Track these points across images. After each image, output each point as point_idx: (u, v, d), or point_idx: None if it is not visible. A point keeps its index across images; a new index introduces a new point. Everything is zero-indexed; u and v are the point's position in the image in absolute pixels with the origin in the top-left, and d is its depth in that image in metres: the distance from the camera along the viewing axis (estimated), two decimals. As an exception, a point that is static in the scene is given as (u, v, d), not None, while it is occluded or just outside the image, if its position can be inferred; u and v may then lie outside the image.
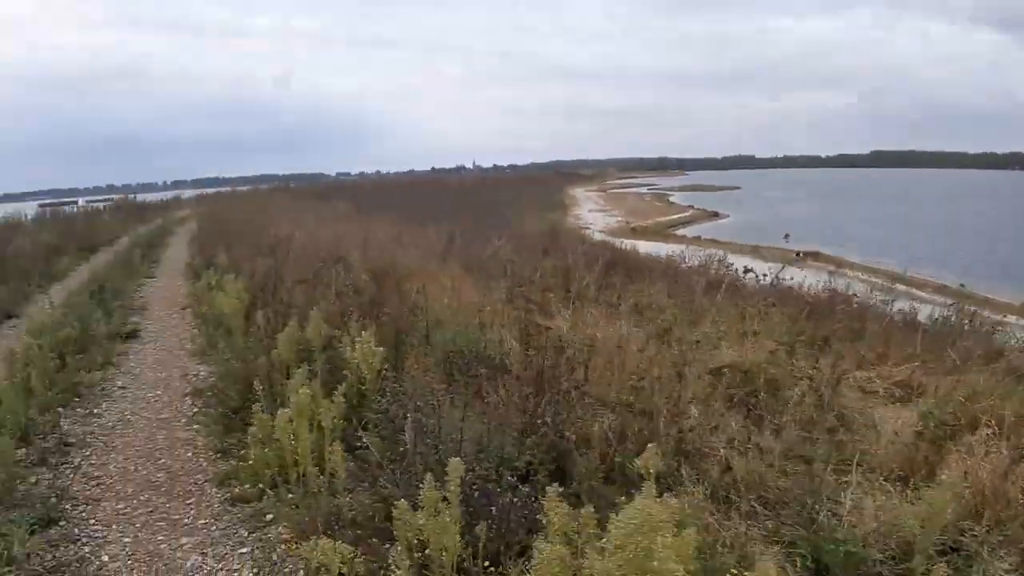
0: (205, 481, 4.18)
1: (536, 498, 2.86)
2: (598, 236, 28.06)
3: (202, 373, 6.20)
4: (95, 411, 5.39)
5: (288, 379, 4.63)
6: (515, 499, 2.90)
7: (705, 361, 5.80)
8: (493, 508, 2.79)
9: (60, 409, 5.35)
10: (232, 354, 5.59)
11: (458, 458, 2.50)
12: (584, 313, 7.66)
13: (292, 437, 3.30)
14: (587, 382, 4.30)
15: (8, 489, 4.01)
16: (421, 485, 2.60)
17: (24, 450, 4.57)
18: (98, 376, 6.14)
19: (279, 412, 3.33)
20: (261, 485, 3.85)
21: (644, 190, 76.24)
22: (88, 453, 4.60)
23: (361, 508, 3.13)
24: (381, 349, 4.00)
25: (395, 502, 2.61)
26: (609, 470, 3.78)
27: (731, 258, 15.59)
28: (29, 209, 27.41)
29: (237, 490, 3.96)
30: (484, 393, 4.39)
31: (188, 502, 3.94)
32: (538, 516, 2.56)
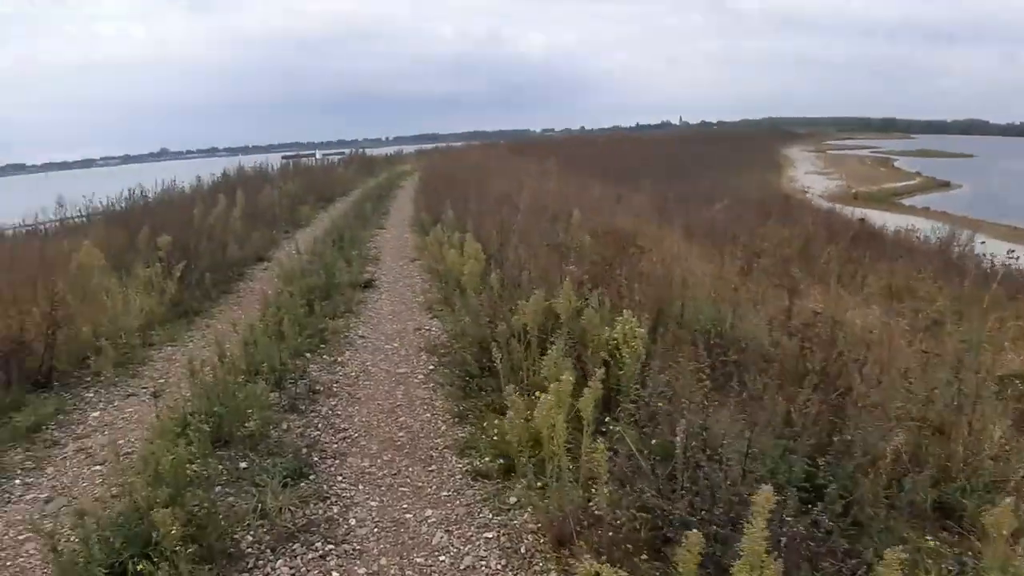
0: (445, 447, 4.03)
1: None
2: (817, 202, 25.87)
3: (434, 329, 6.18)
4: (339, 359, 5.50)
5: (527, 349, 4.38)
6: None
7: (988, 366, 4.84)
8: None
9: (308, 355, 5.51)
10: (468, 315, 5.44)
11: (769, 486, 2.00)
12: (832, 293, 6.78)
13: (551, 426, 2.97)
14: (878, 384, 3.60)
15: (263, 434, 4.11)
16: (703, 511, 2.14)
17: (276, 395, 4.71)
18: (341, 324, 6.31)
19: (541, 399, 3.00)
20: (503, 461, 3.62)
21: (865, 152, 69.56)
22: (334, 404, 4.65)
23: (623, 515, 2.74)
24: (642, 331, 3.56)
25: (684, 532, 2.17)
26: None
27: (980, 237, 13.52)
28: (274, 160, 29.96)
29: (478, 463, 3.76)
30: (736, 386, 3.84)
31: (430, 468, 3.80)
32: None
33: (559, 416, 2.98)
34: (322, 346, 5.72)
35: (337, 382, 4.98)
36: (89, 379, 5.30)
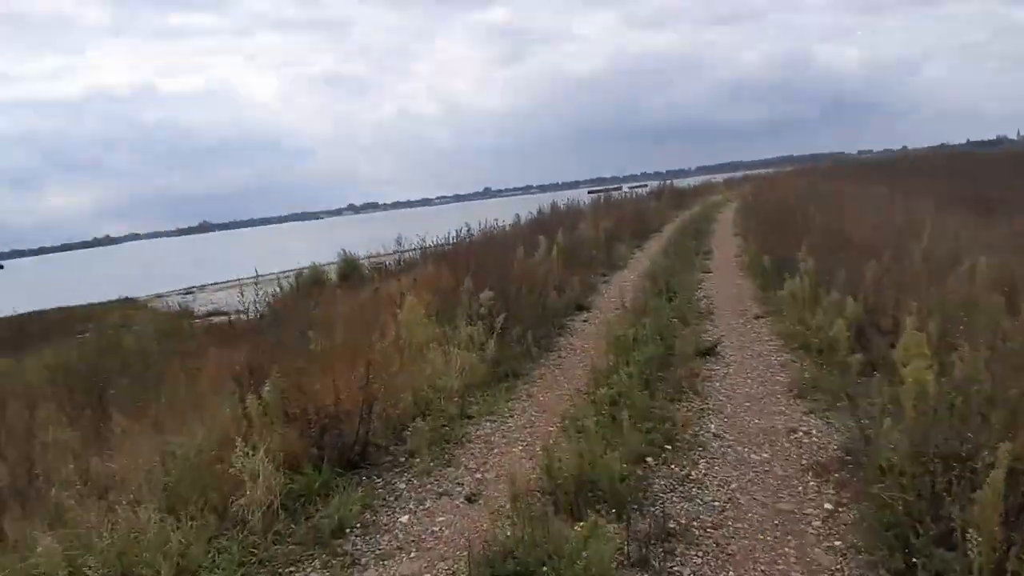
0: None
1: None
2: None
3: (815, 433, 4.46)
4: (692, 473, 4.02)
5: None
6: None
7: None
8: None
9: (649, 460, 4.18)
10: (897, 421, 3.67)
11: None
12: None
13: None
14: None
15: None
16: None
17: (615, 528, 3.43)
18: (686, 411, 4.91)
19: None
20: None
21: None
22: (699, 562, 3.14)
23: None
24: None
25: None
26: None
27: None
28: (581, 196, 29.83)
29: None
30: None
31: None
32: None
33: None
34: (667, 447, 4.34)
35: (697, 519, 3.53)
36: (404, 459, 4.54)
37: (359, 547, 3.54)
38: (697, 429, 4.64)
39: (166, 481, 4.18)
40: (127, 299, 34.07)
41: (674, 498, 3.75)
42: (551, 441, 4.37)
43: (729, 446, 4.38)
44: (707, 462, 4.17)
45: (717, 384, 5.59)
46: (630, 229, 17.64)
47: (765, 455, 4.21)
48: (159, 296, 34.10)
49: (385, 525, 3.73)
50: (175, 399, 6.28)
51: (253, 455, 4.26)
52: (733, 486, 3.85)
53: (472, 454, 4.55)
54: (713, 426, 4.71)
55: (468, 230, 17.50)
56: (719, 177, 54.63)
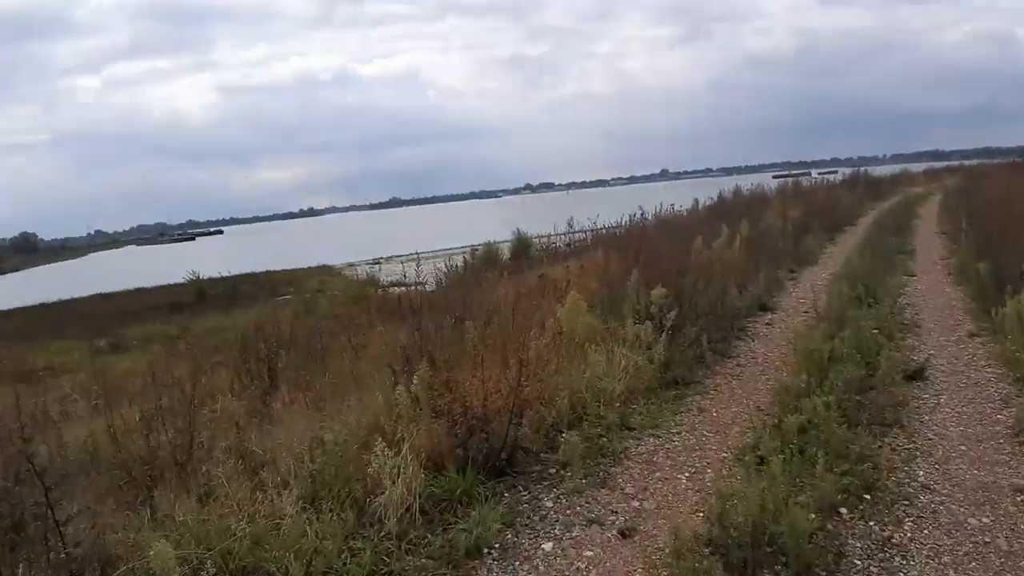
0: None
1: None
2: None
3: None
4: (895, 535, 3.18)
5: None
6: None
7: None
8: None
9: (842, 511, 3.41)
10: None
11: None
12: None
13: None
14: None
15: None
16: None
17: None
18: (889, 450, 4.02)
19: None
20: None
21: None
22: None
23: None
24: None
25: None
26: None
27: None
28: (766, 181, 27.67)
29: None
30: None
31: None
32: None
33: None
34: (865, 497, 3.53)
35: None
36: (554, 470, 4.08)
37: (495, 574, 3.13)
38: (902, 475, 3.77)
39: (312, 468, 4.01)
40: (324, 266, 36.53)
41: (872, 568, 2.98)
42: (724, 472, 3.73)
43: (941, 503, 3.49)
44: (914, 522, 3.32)
45: (926, 418, 4.60)
46: (821, 220, 16.00)
47: (985, 520, 3.29)
48: (351, 265, 36.23)
49: (526, 551, 3.29)
50: (339, 376, 6.26)
51: (396, 451, 4.01)
52: (945, 559, 3.00)
53: (631, 475, 3.99)
54: (921, 473, 3.82)
55: (642, 214, 16.67)
56: (917, 167, 49.01)
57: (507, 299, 7.22)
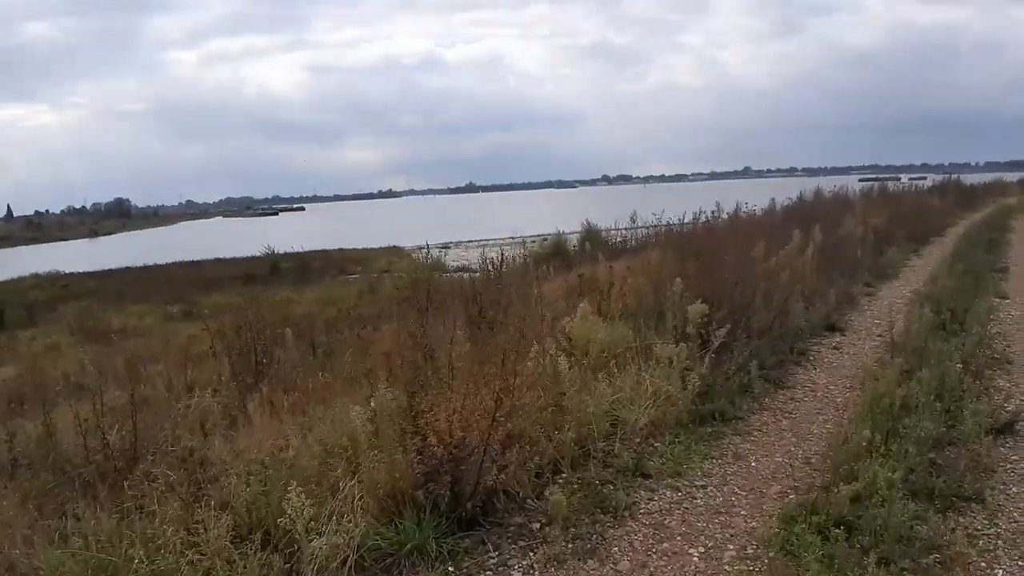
0: None
1: None
2: None
3: None
4: None
5: None
6: None
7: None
8: None
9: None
10: None
11: None
12: None
13: None
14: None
15: None
16: None
17: None
18: (963, 535, 2.98)
19: None
20: None
21: None
22: None
23: None
24: None
25: None
26: None
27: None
28: (852, 183, 25.73)
29: None
30: None
31: None
32: None
33: None
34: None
35: None
36: (538, 525, 3.23)
37: None
38: (977, 573, 2.75)
39: (257, 492, 3.29)
40: (394, 247, 36.46)
41: None
42: (749, 551, 2.80)
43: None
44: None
45: (1013, 489, 3.50)
46: (906, 229, 14.38)
47: None
48: (420, 248, 36.04)
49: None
50: (333, 377, 5.56)
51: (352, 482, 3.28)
52: None
53: (631, 543, 3.09)
54: (1001, 573, 2.78)
55: (714, 212, 15.43)
56: (1011, 176, 45.05)
57: (530, 299, 6.40)
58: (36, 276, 34.76)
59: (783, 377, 5.28)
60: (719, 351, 5.02)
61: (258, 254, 34.76)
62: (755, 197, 16.90)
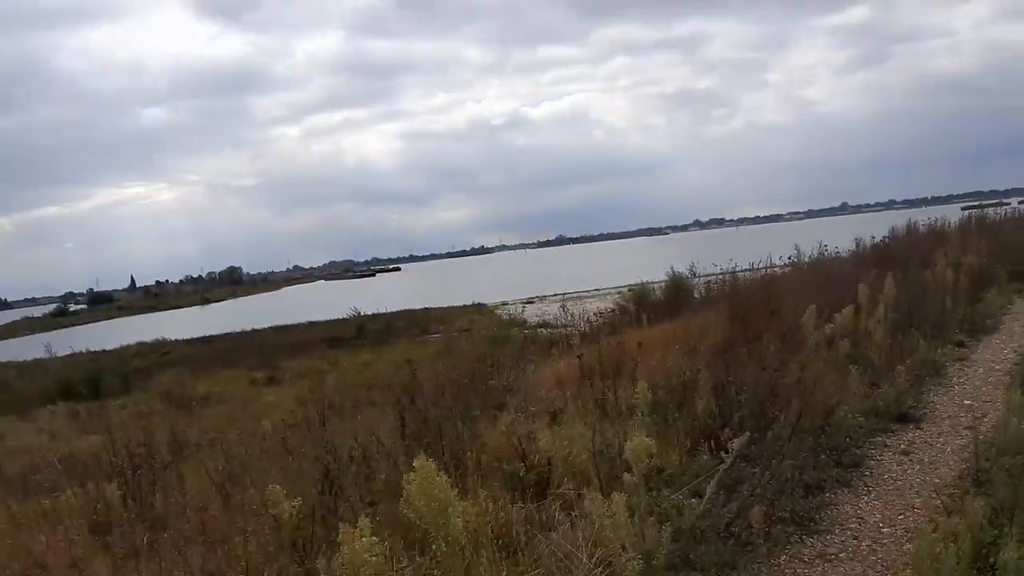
0: None
1: None
2: None
3: None
4: None
5: None
6: None
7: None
8: None
9: None
10: None
11: None
12: None
13: None
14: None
15: None
16: None
17: None
18: None
19: None
20: None
21: None
22: None
23: None
24: None
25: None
26: None
27: None
28: (953, 212, 23.02)
29: None
30: None
31: None
32: None
33: None
34: None
35: None
36: None
37: None
38: None
39: None
40: (478, 304, 35.84)
41: None
42: None
43: None
44: None
45: None
46: (1009, 265, 12.12)
47: None
48: (504, 304, 35.23)
49: None
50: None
51: None
52: None
53: None
54: None
55: (792, 256, 13.73)
56: None
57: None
58: (140, 344, 36.18)
59: (814, 510, 3.63)
60: (733, 469, 3.65)
61: (344, 316, 34.96)
62: (849, 234, 15.06)
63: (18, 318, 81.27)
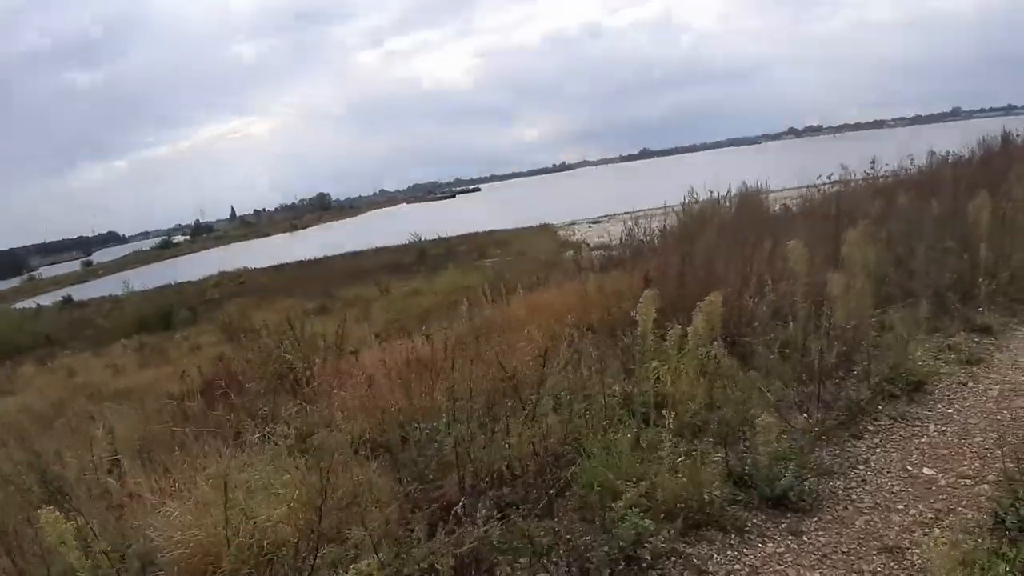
0: None
1: None
2: None
3: None
4: None
5: None
6: None
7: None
8: None
9: None
10: None
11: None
12: None
13: None
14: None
15: None
16: None
17: None
18: None
19: None
20: None
21: None
22: None
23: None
24: None
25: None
26: None
27: None
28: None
29: None
30: None
31: None
32: None
33: None
34: None
35: None
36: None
37: None
38: None
39: None
40: (544, 225, 34.31)
41: None
42: None
43: None
44: None
45: None
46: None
47: None
48: (571, 223, 33.55)
49: None
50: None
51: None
52: None
53: None
54: None
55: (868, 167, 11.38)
56: None
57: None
58: (222, 274, 36.90)
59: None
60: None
61: (407, 242, 34.26)
62: (948, 143, 12.68)
63: (129, 252, 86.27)
